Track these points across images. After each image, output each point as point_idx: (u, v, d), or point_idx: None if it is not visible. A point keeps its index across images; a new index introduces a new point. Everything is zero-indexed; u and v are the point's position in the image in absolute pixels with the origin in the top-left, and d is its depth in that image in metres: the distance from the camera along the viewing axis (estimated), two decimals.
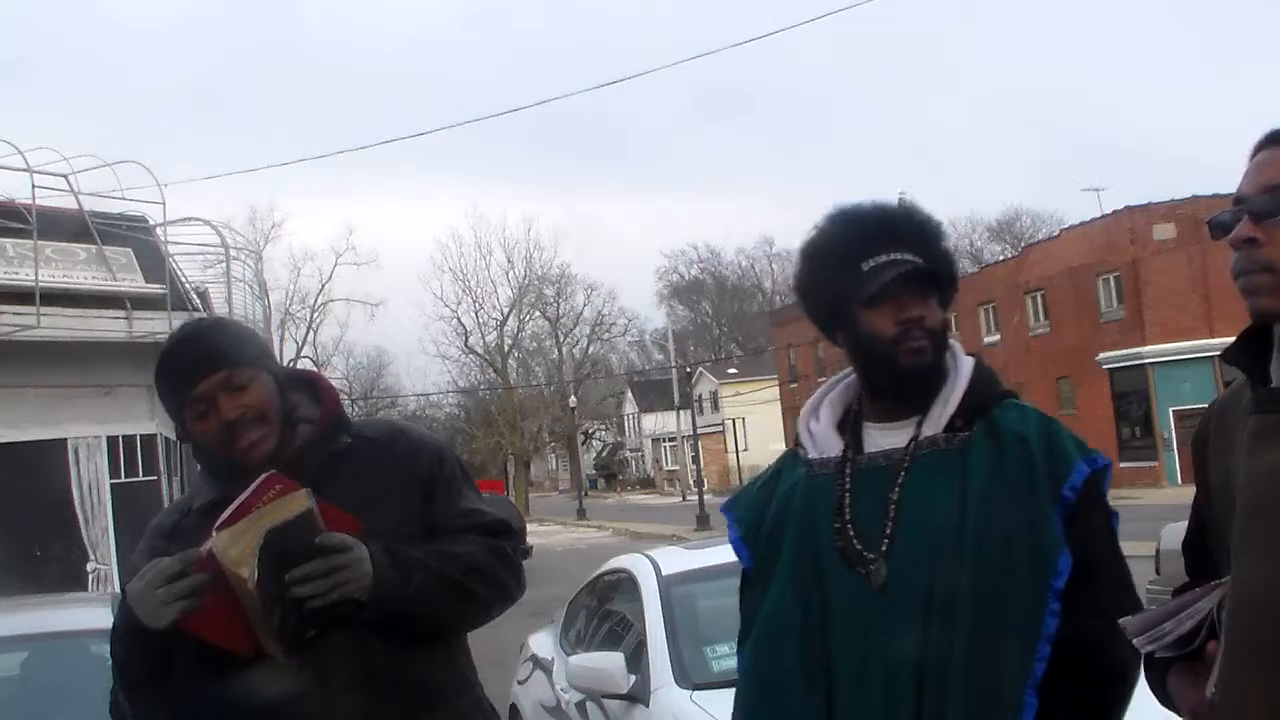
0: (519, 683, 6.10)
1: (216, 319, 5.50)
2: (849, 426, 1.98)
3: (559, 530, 36.90)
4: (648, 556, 5.18)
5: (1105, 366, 30.58)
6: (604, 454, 73.98)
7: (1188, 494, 1.67)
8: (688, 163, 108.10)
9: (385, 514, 2.04)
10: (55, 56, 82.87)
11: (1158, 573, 7.85)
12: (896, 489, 1.85)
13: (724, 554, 4.61)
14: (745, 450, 47.10)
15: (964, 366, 1.93)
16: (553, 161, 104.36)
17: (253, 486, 1.89)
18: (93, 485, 12.01)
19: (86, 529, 11.91)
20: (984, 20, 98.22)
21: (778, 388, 49.75)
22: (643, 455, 70.72)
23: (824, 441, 1.98)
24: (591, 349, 61.65)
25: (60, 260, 11.87)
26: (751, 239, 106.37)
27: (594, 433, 69.91)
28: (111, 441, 12.12)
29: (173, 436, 10.22)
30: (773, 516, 1.98)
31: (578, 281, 59.42)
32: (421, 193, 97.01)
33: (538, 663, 5.85)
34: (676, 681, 4.10)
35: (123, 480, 12.14)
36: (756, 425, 50.36)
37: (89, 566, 11.86)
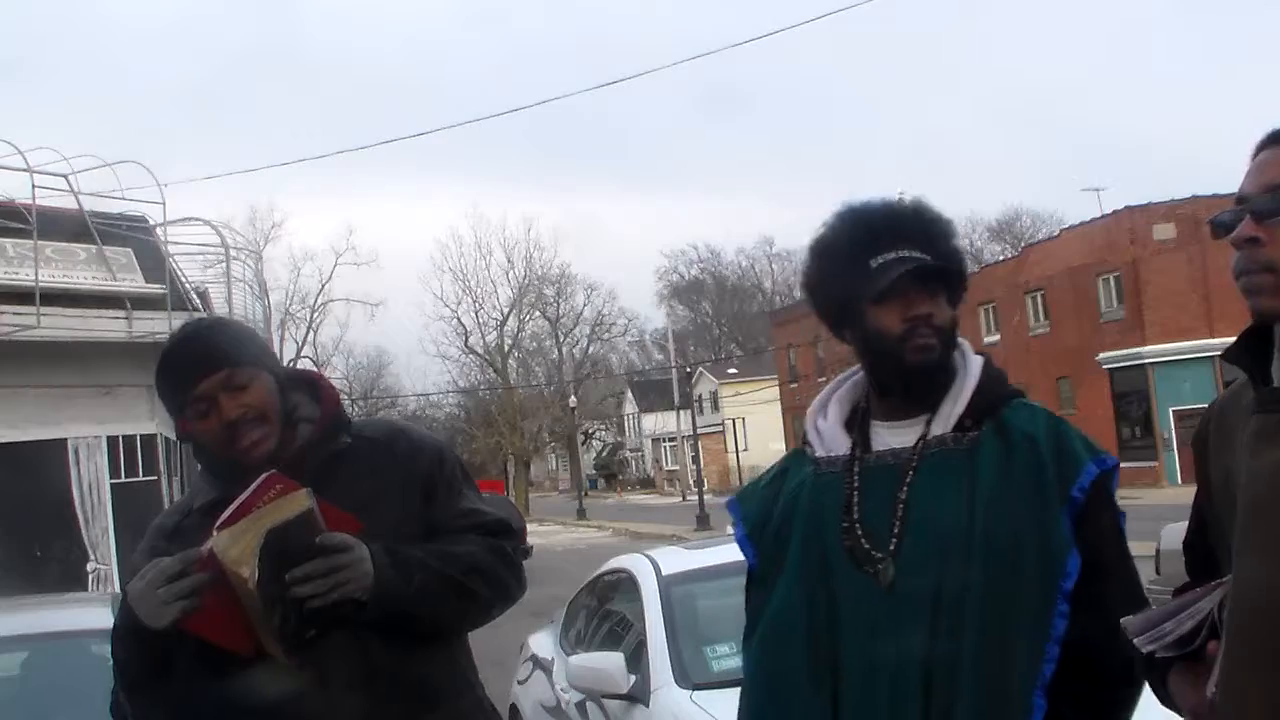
0: (519, 683, 6.10)
1: (217, 319, 5.50)
2: (857, 424, 1.97)
3: (559, 530, 36.89)
4: (648, 556, 5.18)
5: (1105, 366, 30.58)
6: (604, 454, 73.98)
7: (1188, 494, 1.67)
8: (688, 163, 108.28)
9: (385, 514, 2.04)
10: (55, 56, 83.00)
11: (1158, 573, 7.86)
12: (905, 488, 1.84)
13: (724, 554, 4.63)
14: (745, 450, 47.09)
15: (973, 365, 1.92)
16: (553, 161, 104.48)
17: (253, 486, 1.89)
18: (93, 485, 12.01)
19: (86, 529, 11.91)
20: (984, 20, 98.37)
21: (778, 388, 49.74)
22: (643, 455, 70.73)
23: (831, 439, 1.97)
24: (591, 349, 61.74)
25: (60, 260, 11.87)
26: (751, 239, 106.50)
27: (594, 433, 69.90)
28: (111, 441, 12.12)
29: (173, 436, 10.23)
30: (779, 514, 1.97)
31: (578, 281, 59.54)
32: (421, 193, 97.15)
33: (538, 663, 5.85)
34: (676, 681, 4.10)
35: (123, 480, 12.14)
36: (756, 425, 50.37)
37: (89, 566, 11.86)
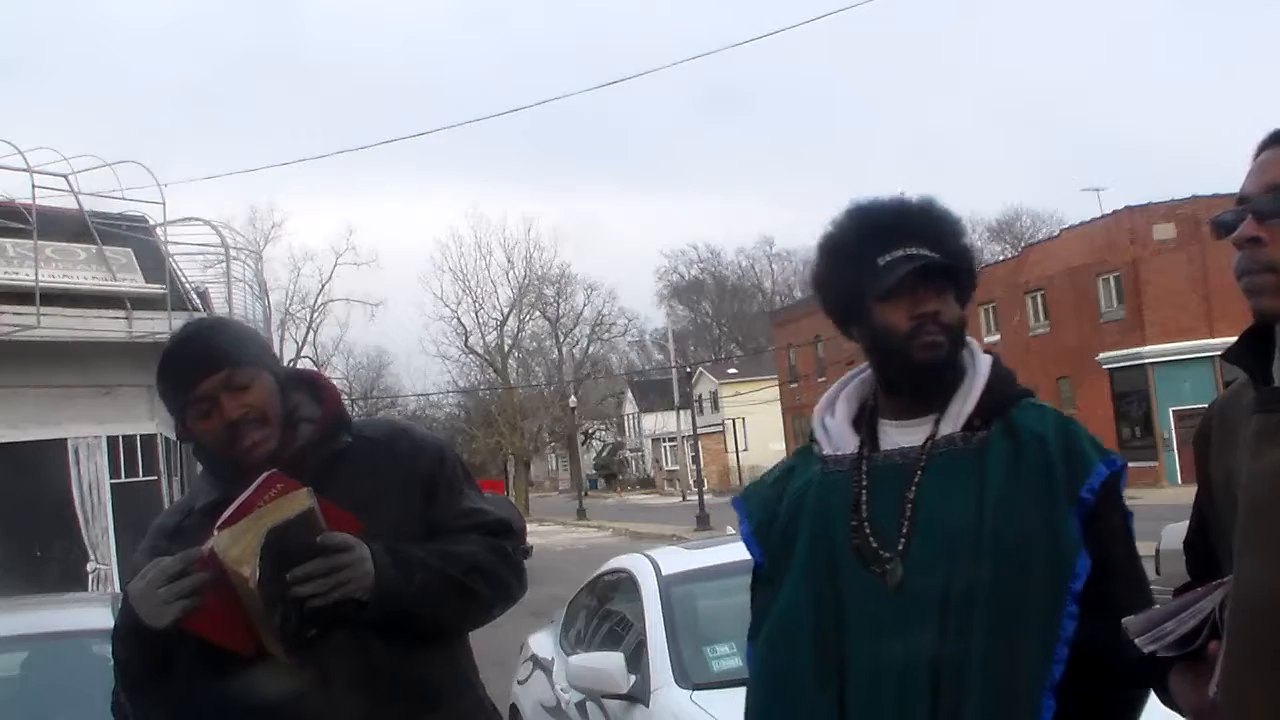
0: (519, 683, 6.10)
1: (217, 319, 5.50)
2: (864, 423, 1.96)
3: (559, 530, 36.90)
4: (648, 556, 5.18)
5: (1105, 366, 30.58)
6: (604, 454, 73.98)
7: (1188, 494, 1.67)
8: (688, 163, 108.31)
9: (386, 513, 2.04)
10: (55, 56, 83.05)
11: (1158, 573, 7.85)
12: (913, 488, 1.83)
13: (724, 554, 4.64)
14: (745, 450, 47.12)
15: (982, 365, 1.92)
16: (553, 161, 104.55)
17: (254, 486, 1.89)
18: (93, 485, 12.01)
19: (86, 529, 11.91)
20: (984, 20, 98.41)
21: (778, 388, 49.74)
22: (643, 455, 70.72)
23: (839, 438, 1.97)
24: (591, 349, 61.76)
25: (60, 260, 11.87)
26: (751, 239, 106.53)
27: (594, 433, 69.91)
28: (111, 441, 12.12)
29: (173, 436, 10.22)
30: (786, 512, 1.96)
31: (578, 281, 59.57)
32: (421, 193, 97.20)
33: (538, 663, 5.85)
34: (676, 681, 4.10)
35: (123, 480, 12.15)
36: (756, 425, 50.37)
37: (89, 566, 11.87)
